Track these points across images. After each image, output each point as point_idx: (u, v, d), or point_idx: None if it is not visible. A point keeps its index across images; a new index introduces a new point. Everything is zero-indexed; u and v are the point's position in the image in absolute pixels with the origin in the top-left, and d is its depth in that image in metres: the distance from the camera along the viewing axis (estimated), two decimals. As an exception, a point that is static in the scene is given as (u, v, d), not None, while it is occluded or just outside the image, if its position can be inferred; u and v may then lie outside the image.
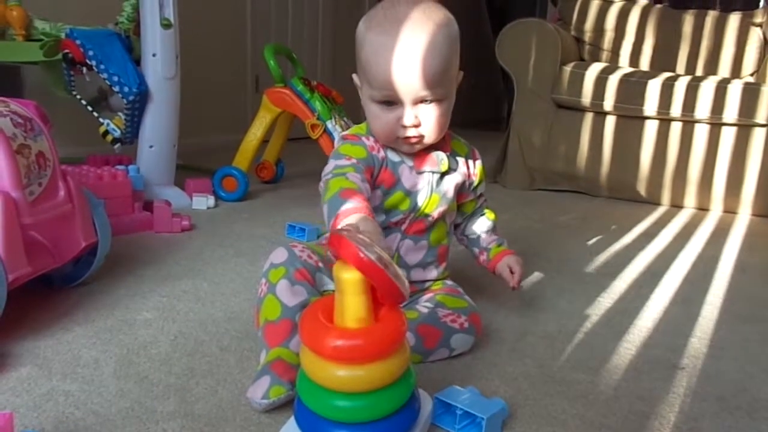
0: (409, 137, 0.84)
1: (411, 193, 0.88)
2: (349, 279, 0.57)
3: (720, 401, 0.81)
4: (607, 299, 1.18)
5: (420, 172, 0.88)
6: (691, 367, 0.91)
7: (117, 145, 1.62)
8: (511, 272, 0.98)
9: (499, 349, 0.93)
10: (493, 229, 1.03)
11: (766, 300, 1.24)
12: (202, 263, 1.22)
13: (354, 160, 0.83)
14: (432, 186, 0.89)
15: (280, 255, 0.83)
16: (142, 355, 0.82)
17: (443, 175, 0.90)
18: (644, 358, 0.93)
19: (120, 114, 1.58)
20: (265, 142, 1.95)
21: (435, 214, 0.90)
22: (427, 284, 0.94)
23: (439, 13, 0.82)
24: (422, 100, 0.82)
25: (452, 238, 0.99)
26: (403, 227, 0.89)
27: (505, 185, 2.35)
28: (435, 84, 0.80)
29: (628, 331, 1.03)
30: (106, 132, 1.60)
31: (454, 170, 0.92)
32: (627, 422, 0.74)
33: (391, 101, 0.82)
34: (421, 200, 0.89)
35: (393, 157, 0.87)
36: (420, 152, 0.88)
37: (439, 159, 0.89)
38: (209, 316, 0.97)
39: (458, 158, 0.94)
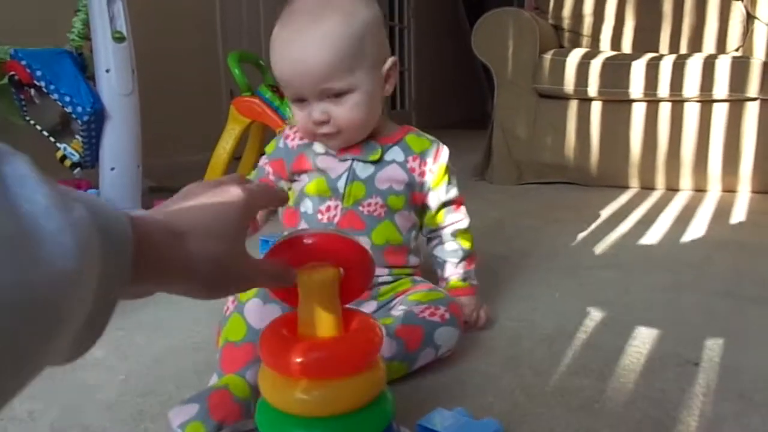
0: (323, 134, 0.81)
1: (331, 180, 0.85)
2: (317, 280, 0.50)
3: (743, 398, 0.72)
4: (607, 293, 1.09)
5: (342, 159, 0.85)
6: (707, 361, 0.82)
7: (77, 170, 1.53)
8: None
9: (492, 358, 0.83)
10: (465, 258, 0.92)
11: (777, 280, 1.15)
12: (166, 289, 1.12)
13: (264, 161, 0.92)
14: (353, 172, 0.85)
15: None
16: (86, 401, 0.73)
17: (376, 164, 0.86)
18: (654, 355, 0.84)
19: (77, 136, 1.49)
20: (238, 158, 1.87)
21: (366, 205, 0.85)
22: (381, 279, 0.85)
23: (343, 1, 0.78)
24: (327, 94, 0.78)
25: (414, 245, 0.90)
26: (336, 220, 0.85)
27: (492, 181, 2.27)
28: (330, 75, 0.76)
29: (634, 327, 0.94)
30: (64, 157, 1.50)
31: (397, 163, 0.86)
32: (641, 433, 0.65)
33: (301, 98, 0.80)
34: (341, 186, 0.85)
35: (318, 148, 0.86)
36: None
37: (368, 147, 0.85)
38: (168, 349, 0.87)
39: (408, 153, 0.87)
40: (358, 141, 0.85)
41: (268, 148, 0.91)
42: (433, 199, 0.90)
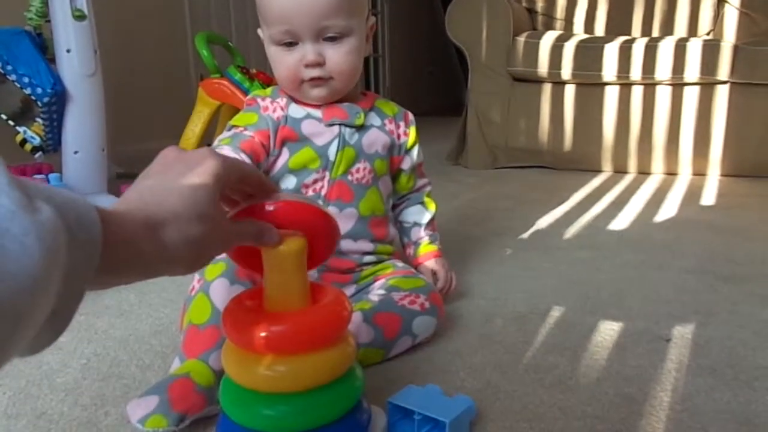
0: (314, 78, 0.77)
1: (319, 148, 0.81)
2: (282, 251, 0.48)
3: (714, 373, 0.72)
4: (580, 272, 1.09)
5: (329, 124, 0.81)
6: (679, 337, 0.82)
7: (38, 154, 1.47)
8: (436, 276, 0.91)
9: (464, 336, 0.82)
10: (430, 222, 0.94)
11: (745, 259, 1.16)
12: (131, 273, 1.09)
13: (240, 129, 0.80)
14: (343, 138, 0.82)
15: None
16: (45, 386, 0.70)
17: (359, 129, 0.83)
18: (626, 333, 0.84)
19: (38, 119, 1.43)
20: (208, 144, 1.82)
21: (355, 172, 0.82)
22: (366, 258, 0.84)
23: None
24: (324, 35, 0.76)
25: (390, 214, 0.90)
26: (323, 192, 0.81)
27: (467, 166, 2.26)
28: (333, 12, 0.74)
29: (606, 305, 0.93)
30: (24, 141, 1.45)
31: (376, 127, 0.85)
32: (613, 408, 0.65)
33: (292, 40, 0.76)
34: (332, 154, 0.81)
35: (296, 113, 0.81)
36: (330, 105, 0.81)
37: (352, 111, 0.82)
38: (132, 332, 0.84)
39: (383, 117, 0.87)
40: (340, 97, 0.82)
41: (246, 119, 0.80)
42: (407, 162, 0.90)
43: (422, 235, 0.93)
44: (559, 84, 2.13)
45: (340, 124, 0.81)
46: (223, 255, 0.69)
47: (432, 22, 4.87)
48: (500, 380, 0.70)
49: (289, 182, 0.81)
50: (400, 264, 0.86)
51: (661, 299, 0.96)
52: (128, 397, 0.66)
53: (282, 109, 0.81)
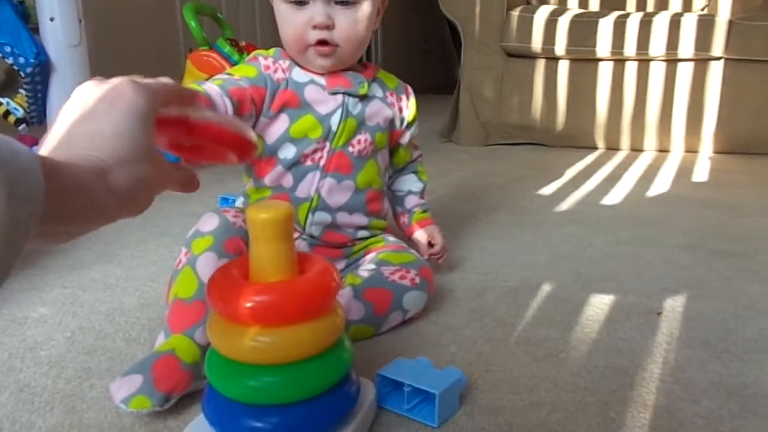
0: (320, 42, 0.75)
1: (321, 116, 0.79)
2: (268, 219, 0.47)
3: (705, 346, 0.72)
4: (572, 247, 1.08)
5: (332, 93, 0.79)
6: (670, 311, 0.82)
7: (22, 126, 1.44)
8: (431, 244, 0.89)
9: (455, 310, 0.82)
10: (422, 192, 0.94)
11: (737, 234, 1.16)
12: (118, 247, 1.07)
13: (235, 77, 0.75)
14: (347, 108, 0.80)
15: (209, 222, 0.71)
16: (28, 358, 0.68)
17: (362, 99, 0.81)
18: (618, 306, 0.83)
19: (21, 90, 1.40)
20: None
21: (356, 143, 0.80)
22: (360, 233, 0.83)
23: None
24: None
25: (385, 188, 0.89)
26: (322, 163, 0.79)
27: (459, 142, 2.24)
28: None
29: (598, 279, 0.93)
30: (7, 112, 1.42)
31: (379, 98, 0.83)
32: (604, 380, 0.64)
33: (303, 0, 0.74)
34: (335, 124, 0.79)
35: (300, 77, 0.78)
36: (334, 73, 0.79)
37: (356, 80, 0.80)
38: (118, 306, 0.83)
39: (385, 89, 0.85)
40: (346, 67, 0.80)
41: (244, 71, 0.77)
42: (407, 136, 0.89)
43: (416, 203, 0.92)
44: (552, 60, 2.11)
45: (343, 93, 0.79)
46: (211, 228, 0.70)
47: (428, 3, 4.81)
48: (491, 353, 0.70)
49: (288, 152, 0.78)
50: (391, 238, 0.85)
51: (652, 274, 0.95)
52: (114, 370, 0.65)
53: (284, 71, 0.78)
